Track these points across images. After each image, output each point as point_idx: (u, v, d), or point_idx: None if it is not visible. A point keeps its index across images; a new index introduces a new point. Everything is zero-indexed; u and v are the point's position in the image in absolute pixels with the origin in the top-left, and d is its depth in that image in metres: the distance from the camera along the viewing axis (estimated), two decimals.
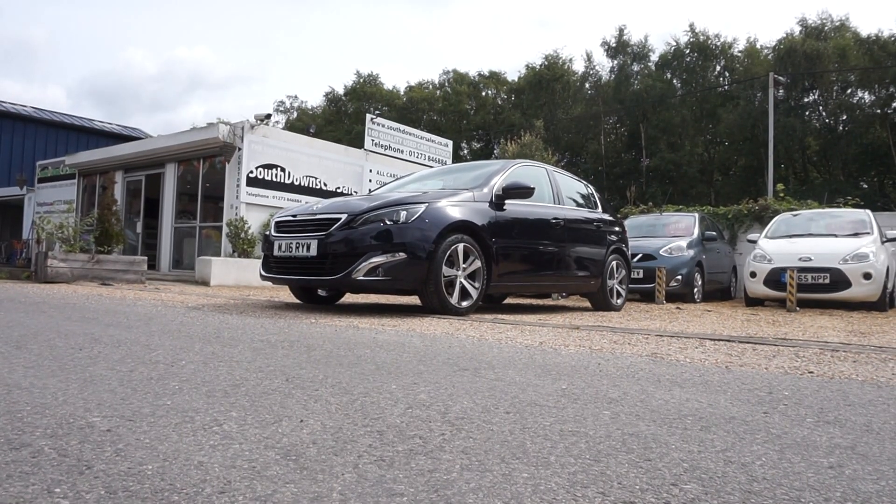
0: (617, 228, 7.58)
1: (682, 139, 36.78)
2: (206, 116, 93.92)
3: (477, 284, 5.30)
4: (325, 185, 13.28)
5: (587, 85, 40.98)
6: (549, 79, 40.07)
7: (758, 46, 36.69)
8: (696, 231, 10.53)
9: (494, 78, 46.40)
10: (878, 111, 32.27)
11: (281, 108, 54.85)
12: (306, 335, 3.23)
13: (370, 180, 14.25)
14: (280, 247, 5.23)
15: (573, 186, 7.40)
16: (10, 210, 20.40)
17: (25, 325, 3.33)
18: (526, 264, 6.03)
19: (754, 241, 9.94)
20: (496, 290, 5.63)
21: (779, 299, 8.76)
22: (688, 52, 37.03)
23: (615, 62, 39.05)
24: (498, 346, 3.07)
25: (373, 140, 14.46)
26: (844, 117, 33.97)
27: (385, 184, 7.51)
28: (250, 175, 11.87)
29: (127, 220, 14.44)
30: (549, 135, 32.65)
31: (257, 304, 5.76)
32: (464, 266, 5.18)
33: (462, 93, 45.33)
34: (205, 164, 12.74)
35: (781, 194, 13.53)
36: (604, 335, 3.79)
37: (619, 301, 7.44)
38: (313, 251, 4.94)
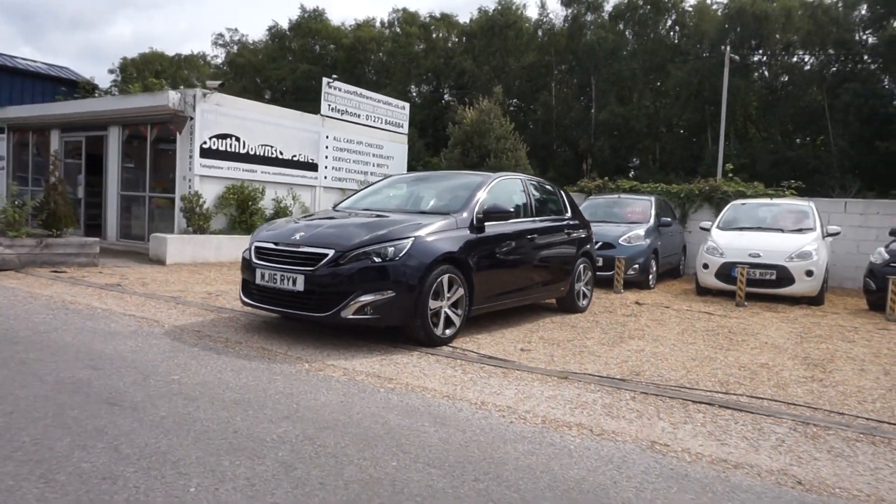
0: (583, 233, 7.75)
1: (632, 92, 37.14)
2: (134, 39, 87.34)
3: (460, 312, 5.41)
4: (282, 153, 12.89)
5: (540, 33, 40.45)
6: (501, 25, 39.34)
7: (708, 2, 36.96)
8: (653, 218, 10.87)
9: (445, 20, 45.14)
10: (817, 73, 33.35)
11: (220, 42, 51.99)
12: (296, 426, 3.28)
13: (327, 146, 13.92)
14: (263, 276, 5.15)
15: (544, 192, 7.51)
16: None
17: None
18: (505, 285, 6.15)
19: (707, 230, 10.37)
20: (478, 313, 5.74)
21: (729, 291, 9.26)
22: (641, 3, 36.92)
23: (569, 11, 38.60)
24: (492, 434, 3.22)
25: (329, 105, 14.01)
26: (785, 78, 34.98)
27: (365, 186, 7.38)
28: (203, 146, 11.38)
29: (68, 180, 13.67)
30: (500, 82, 32.20)
31: (238, 323, 5.67)
32: (448, 296, 5.26)
33: (412, 34, 44.00)
34: (153, 131, 12.11)
35: (730, 175, 14.05)
36: (594, 394, 4.00)
37: (584, 302, 7.71)
38: (300, 286, 4.90)
